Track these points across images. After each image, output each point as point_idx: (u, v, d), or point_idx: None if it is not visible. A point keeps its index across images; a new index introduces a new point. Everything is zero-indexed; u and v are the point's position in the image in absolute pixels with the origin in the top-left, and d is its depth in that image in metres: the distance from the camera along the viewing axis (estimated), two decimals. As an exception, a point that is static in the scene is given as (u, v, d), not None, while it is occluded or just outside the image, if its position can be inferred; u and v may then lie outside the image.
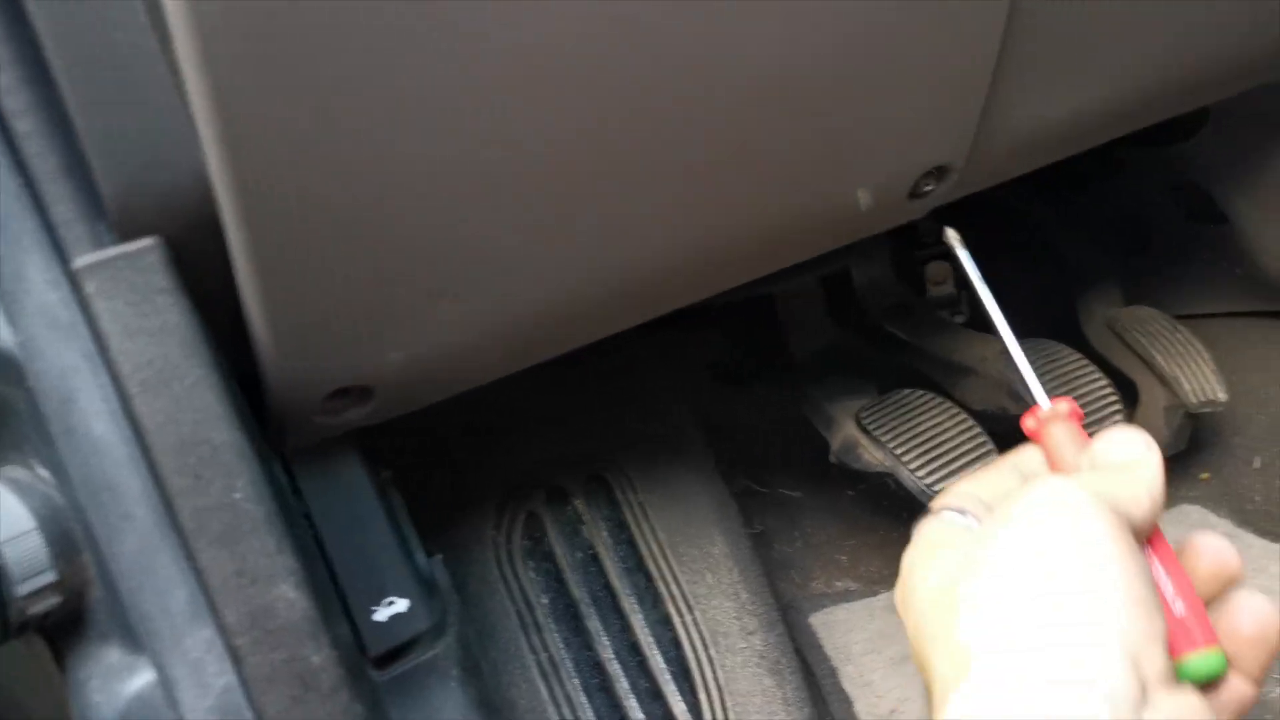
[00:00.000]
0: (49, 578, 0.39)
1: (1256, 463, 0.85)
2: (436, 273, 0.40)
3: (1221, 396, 0.80)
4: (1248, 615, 0.37)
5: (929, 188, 0.52)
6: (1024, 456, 0.43)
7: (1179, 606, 0.36)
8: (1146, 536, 0.38)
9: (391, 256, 0.39)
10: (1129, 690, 0.31)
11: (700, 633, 0.68)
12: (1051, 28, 0.50)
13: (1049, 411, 0.41)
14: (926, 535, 0.39)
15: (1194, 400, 0.81)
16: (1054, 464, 0.41)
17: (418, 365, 0.43)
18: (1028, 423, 0.42)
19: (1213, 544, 0.39)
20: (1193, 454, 0.89)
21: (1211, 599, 0.39)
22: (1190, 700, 0.34)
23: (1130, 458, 0.38)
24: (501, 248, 0.41)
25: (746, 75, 0.42)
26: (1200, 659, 0.36)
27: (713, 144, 0.43)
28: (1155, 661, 0.33)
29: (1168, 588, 0.37)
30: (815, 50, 0.43)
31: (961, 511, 0.40)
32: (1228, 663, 0.36)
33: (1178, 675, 0.35)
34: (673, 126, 0.42)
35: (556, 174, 0.40)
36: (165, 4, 0.32)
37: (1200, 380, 0.81)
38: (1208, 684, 0.36)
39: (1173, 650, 0.36)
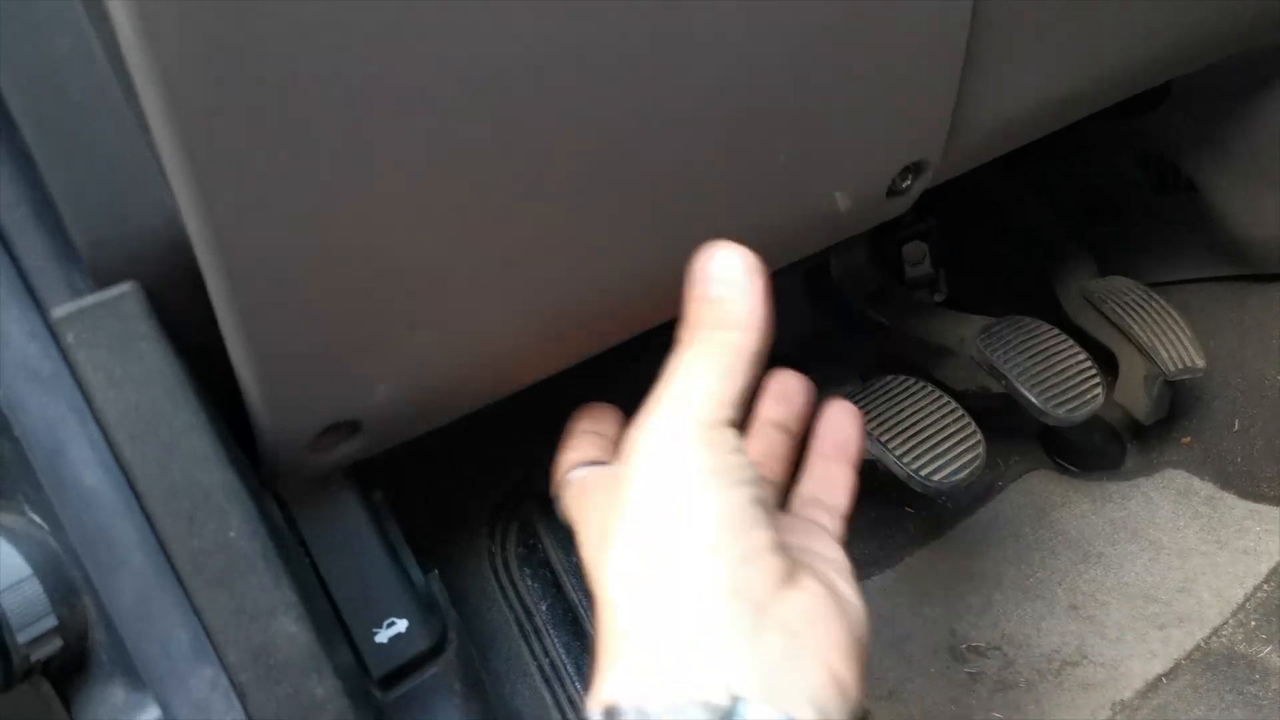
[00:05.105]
0: (49, 623, 0.39)
1: (1236, 425, 0.86)
2: (410, 306, 0.40)
3: (1199, 363, 0.81)
4: None
5: (906, 184, 0.52)
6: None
7: None
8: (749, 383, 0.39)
9: (366, 292, 0.39)
10: (732, 630, 0.34)
11: (699, 628, 0.68)
12: (1017, 13, 0.50)
13: None
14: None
15: (1172, 368, 0.82)
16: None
17: (404, 397, 0.43)
18: None
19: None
20: (1174, 418, 0.90)
21: None
22: (804, 599, 0.36)
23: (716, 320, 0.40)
24: (473, 278, 0.41)
25: (713, 82, 0.41)
26: None
27: (683, 158, 0.43)
28: (763, 575, 0.35)
29: None
30: (782, 55, 0.43)
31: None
32: None
33: None
34: (644, 143, 0.42)
35: (524, 201, 0.40)
36: (129, 59, 0.32)
37: (1177, 348, 0.82)
38: None
39: None
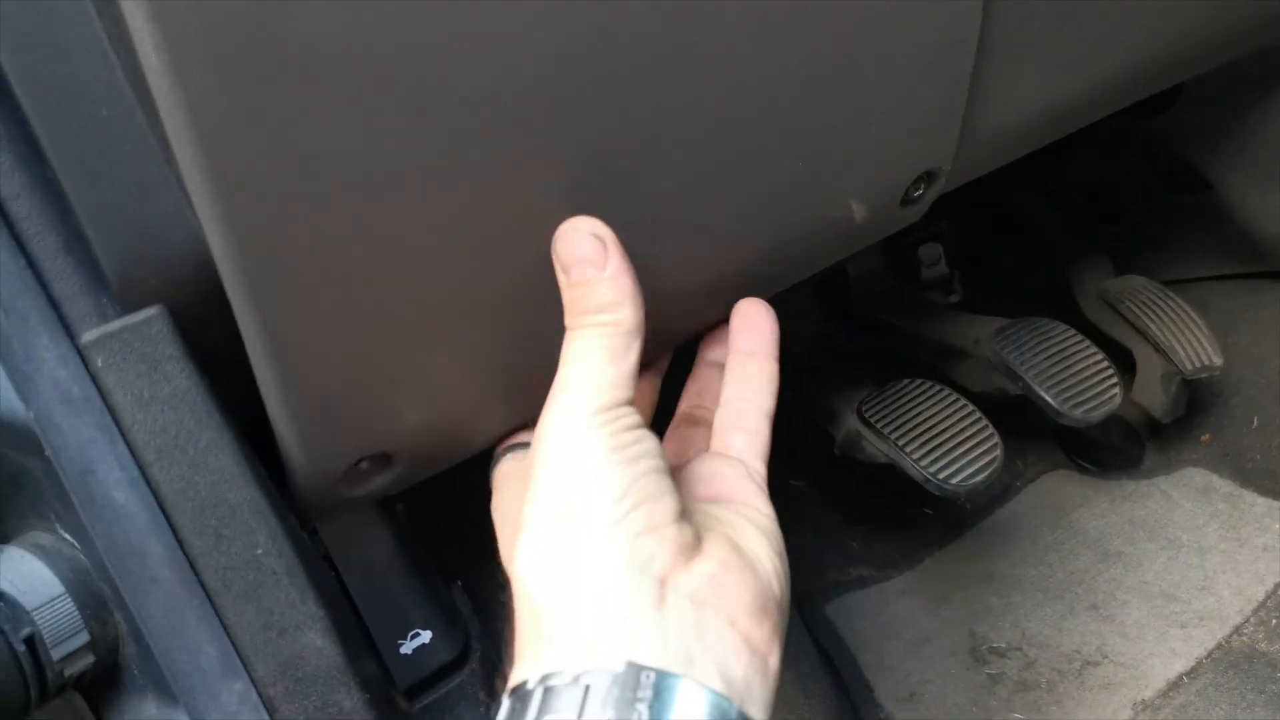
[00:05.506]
0: (82, 639, 0.40)
1: (1255, 422, 0.86)
2: (437, 333, 0.40)
3: (1216, 361, 0.81)
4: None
5: (919, 193, 0.52)
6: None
7: None
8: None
9: (392, 319, 0.39)
10: (636, 602, 0.35)
11: (719, 634, 0.68)
12: (1026, 18, 0.50)
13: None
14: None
15: (1189, 366, 0.82)
16: None
17: (434, 426, 0.43)
18: None
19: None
20: (1192, 416, 0.90)
21: None
22: (708, 566, 0.37)
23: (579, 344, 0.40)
24: (498, 299, 0.41)
25: (723, 90, 0.41)
26: None
27: (697, 167, 0.43)
28: (665, 547, 0.36)
29: None
30: (791, 60, 0.43)
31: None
32: None
33: None
34: (658, 155, 0.41)
35: (541, 216, 0.40)
36: (153, 85, 0.32)
37: (1194, 346, 0.82)
38: None
39: None
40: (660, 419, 0.50)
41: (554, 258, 0.40)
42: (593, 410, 0.38)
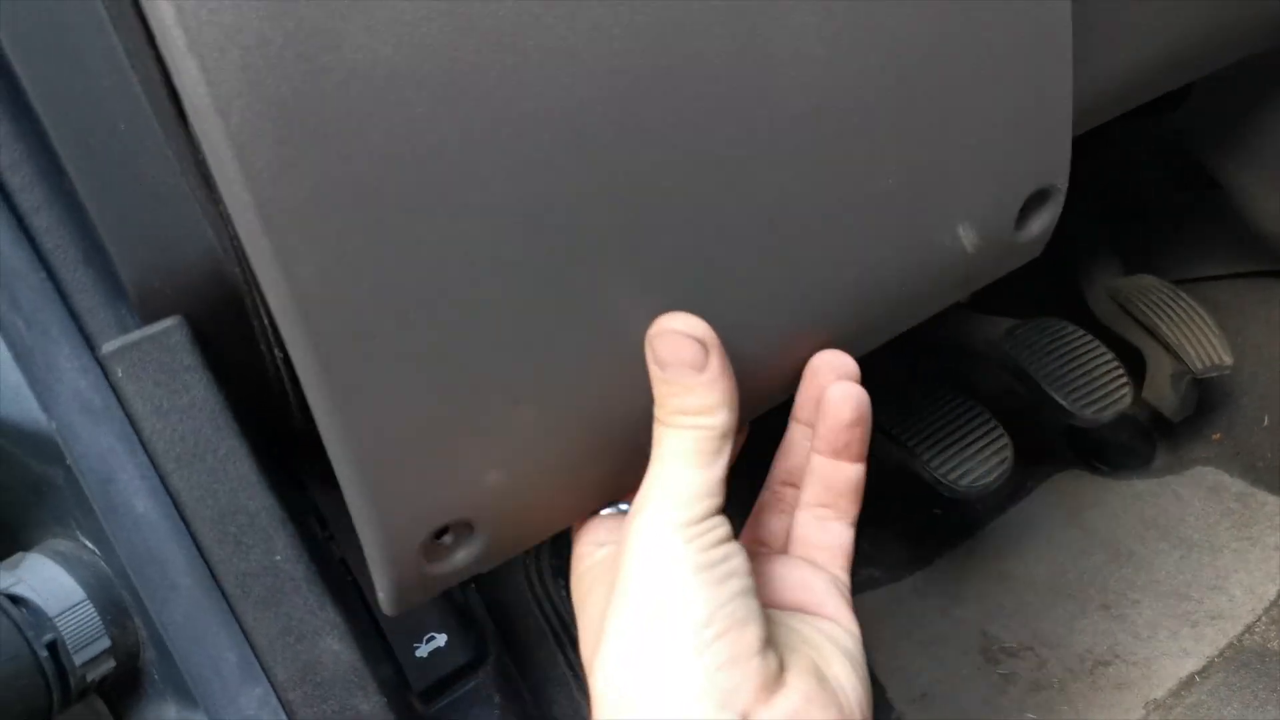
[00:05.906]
0: (103, 644, 0.41)
1: (1265, 421, 0.86)
2: (512, 377, 0.37)
3: (1227, 360, 0.81)
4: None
5: (1034, 217, 0.48)
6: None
7: None
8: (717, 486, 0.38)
9: (462, 363, 0.36)
10: None
11: (731, 635, 0.69)
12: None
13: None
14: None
15: (1200, 366, 0.82)
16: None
17: (519, 489, 0.39)
18: None
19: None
20: (1203, 414, 0.90)
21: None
22: (791, 701, 0.36)
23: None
24: (570, 337, 0.37)
25: (802, 102, 0.38)
26: None
27: (779, 199, 0.39)
28: (749, 681, 0.35)
29: None
30: (876, 61, 0.40)
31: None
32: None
33: None
34: (736, 182, 0.38)
35: (610, 249, 0.37)
36: (198, 126, 0.31)
37: (1205, 346, 0.82)
38: None
39: None
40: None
41: (648, 352, 0.38)
42: (682, 522, 0.36)
